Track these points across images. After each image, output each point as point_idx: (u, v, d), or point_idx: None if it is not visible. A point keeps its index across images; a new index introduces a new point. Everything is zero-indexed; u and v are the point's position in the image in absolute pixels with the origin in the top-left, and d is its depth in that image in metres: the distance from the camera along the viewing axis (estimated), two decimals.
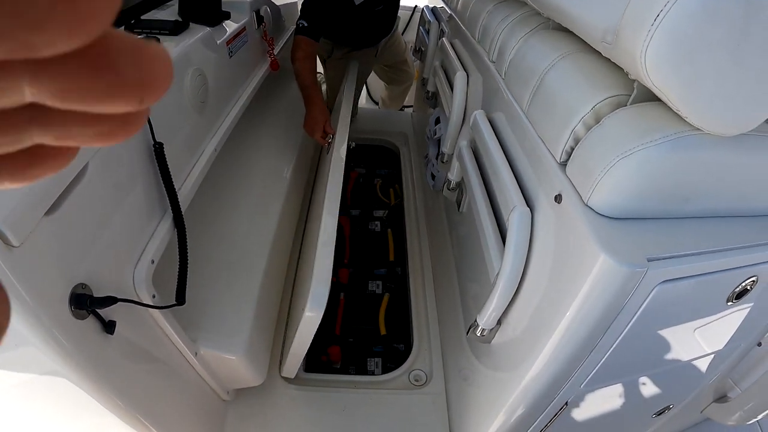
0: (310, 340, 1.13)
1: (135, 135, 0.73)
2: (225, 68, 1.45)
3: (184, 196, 1.12)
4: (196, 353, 1.16)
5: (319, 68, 2.80)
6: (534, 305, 0.81)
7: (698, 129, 0.60)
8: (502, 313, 0.89)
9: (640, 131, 0.60)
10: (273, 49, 1.86)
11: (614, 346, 0.77)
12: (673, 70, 0.52)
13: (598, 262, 0.62)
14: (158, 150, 1.01)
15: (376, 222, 2.22)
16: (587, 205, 0.67)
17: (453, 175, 1.25)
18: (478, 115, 1.08)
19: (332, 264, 1.09)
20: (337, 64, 2.39)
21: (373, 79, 3.67)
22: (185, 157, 1.17)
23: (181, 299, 1.03)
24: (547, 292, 0.76)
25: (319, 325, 1.80)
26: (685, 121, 0.60)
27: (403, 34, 3.15)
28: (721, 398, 1.39)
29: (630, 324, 0.73)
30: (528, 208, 0.79)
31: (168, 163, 1.01)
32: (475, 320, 0.92)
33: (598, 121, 0.69)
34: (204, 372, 1.22)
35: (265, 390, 1.40)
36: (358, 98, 2.77)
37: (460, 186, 1.27)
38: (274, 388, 1.42)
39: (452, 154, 1.37)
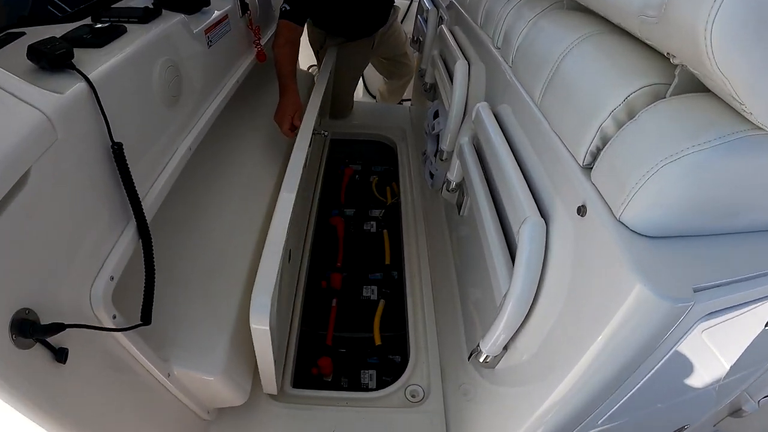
0: (270, 355, 1.02)
1: (88, 135, 0.66)
2: (203, 59, 1.32)
3: (151, 201, 1.00)
4: (168, 374, 1.05)
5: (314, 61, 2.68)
6: (548, 333, 0.69)
7: (760, 128, 0.47)
8: (510, 338, 0.77)
9: (689, 130, 0.48)
10: (259, 38, 1.73)
11: (642, 382, 0.65)
12: (744, 50, 0.40)
13: (632, 293, 0.50)
14: (117, 151, 0.89)
15: (372, 222, 2.10)
16: (619, 221, 0.54)
17: (453, 175, 1.13)
18: (482, 108, 0.96)
19: (278, 265, 0.97)
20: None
21: (370, 71, 3.54)
22: (153, 157, 1.04)
23: (146, 318, 0.91)
24: (564, 320, 0.65)
25: (309, 335, 1.71)
26: (744, 117, 0.48)
27: (402, 22, 3.01)
28: (736, 412, 1.29)
29: (663, 360, 0.61)
30: (542, 220, 0.67)
31: (131, 165, 0.90)
32: (478, 345, 0.80)
33: (632, 116, 0.57)
34: (180, 393, 1.10)
35: (249, 408, 1.28)
36: (353, 91, 2.64)
37: (461, 187, 1.15)
38: (258, 406, 1.30)
39: (452, 151, 1.24)
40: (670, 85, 0.56)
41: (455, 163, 1.12)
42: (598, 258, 0.57)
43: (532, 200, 0.70)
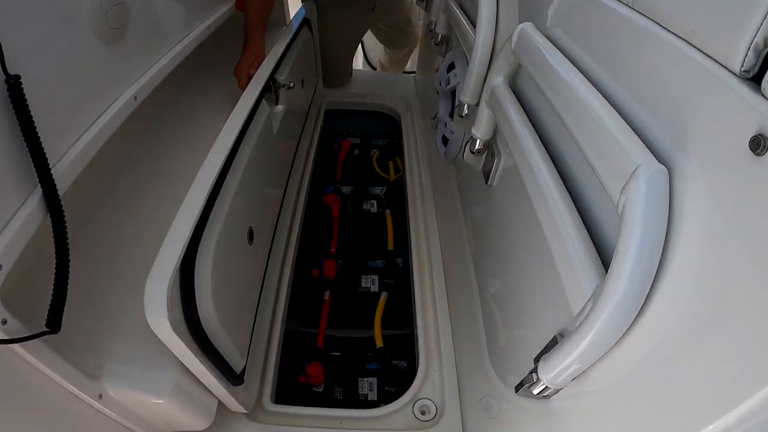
0: (197, 362, 0.76)
1: None
2: None
3: (70, 162, 0.72)
4: (100, 395, 0.78)
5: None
6: (652, 355, 0.42)
7: None
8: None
9: None
10: None
11: None
12: None
13: None
14: (12, 86, 0.62)
15: (372, 201, 1.82)
16: None
17: (480, 131, 0.85)
18: (527, 29, 0.68)
19: (187, 239, 0.69)
20: (328, 17, 1.98)
21: (371, 41, 3.25)
22: (78, 105, 0.77)
23: (54, 324, 0.64)
24: (698, 336, 0.37)
25: (296, 335, 1.43)
26: None
27: None
28: None
29: None
30: (664, 168, 0.39)
31: (39, 110, 0.63)
32: (534, 373, 0.53)
33: None
34: (118, 416, 0.83)
35: (219, 428, 1.01)
36: (352, 58, 2.36)
37: (491, 147, 0.87)
38: (229, 427, 1.04)
39: (477, 102, 0.96)
40: None
41: (483, 115, 0.83)
42: None
43: (640, 141, 0.42)
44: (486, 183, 0.89)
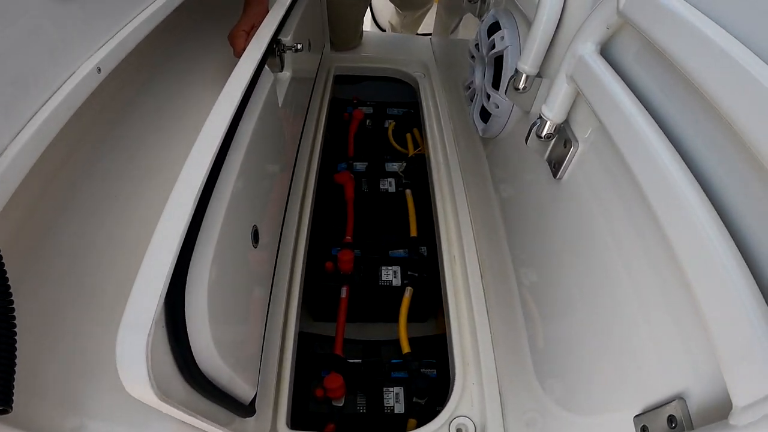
0: (198, 418, 0.59)
1: None
2: None
3: (9, 161, 0.53)
4: None
5: None
6: None
7: None
8: None
9: None
10: None
11: None
12: None
13: None
14: None
15: (389, 179, 1.63)
16: None
17: (552, 111, 0.66)
18: None
19: (173, 257, 0.51)
20: None
21: (379, 1, 3.00)
22: (19, 84, 0.57)
23: (3, 399, 0.47)
24: None
25: (311, 341, 1.23)
26: None
27: None
28: None
29: None
30: None
31: None
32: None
33: None
34: None
35: None
36: (362, 17, 2.12)
37: (562, 131, 0.68)
38: None
39: (537, 73, 0.77)
40: None
41: (559, 92, 0.64)
42: None
43: None
44: (554, 176, 0.70)
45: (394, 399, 1.11)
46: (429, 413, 1.03)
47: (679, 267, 0.41)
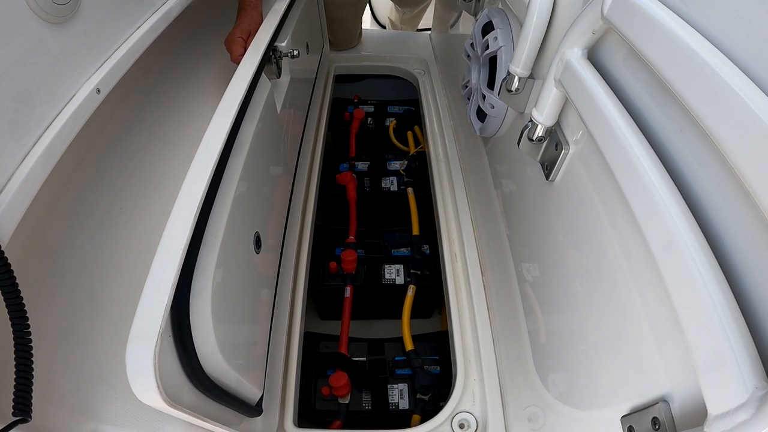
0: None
1: None
2: None
3: (17, 188, 0.56)
4: None
5: None
6: None
7: None
8: None
9: None
10: None
11: None
12: None
13: None
14: None
15: (392, 177, 1.65)
16: None
17: (542, 116, 0.67)
18: None
19: (177, 268, 0.53)
20: None
21: None
22: (20, 113, 0.59)
23: (22, 411, 0.50)
24: None
25: (316, 341, 1.20)
26: None
27: None
28: None
29: None
30: None
31: None
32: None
33: None
34: None
35: None
36: (361, 15, 2.13)
37: (553, 134, 0.69)
38: None
39: (529, 75, 0.78)
40: None
41: (548, 96, 0.65)
42: None
43: None
44: (546, 178, 0.71)
45: (399, 395, 1.13)
46: (433, 409, 1.05)
47: (658, 274, 0.43)
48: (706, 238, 0.40)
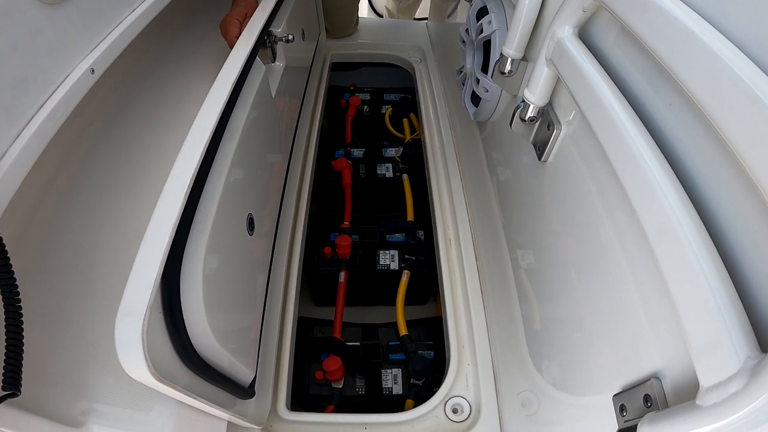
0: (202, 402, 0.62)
1: None
2: None
3: (9, 165, 0.55)
4: None
5: None
6: None
7: None
8: None
9: None
10: None
11: None
12: None
13: None
14: None
15: (387, 164, 1.64)
16: None
17: (535, 95, 0.67)
18: None
19: (167, 245, 0.53)
20: None
21: None
22: (13, 91, 0.59)
23: (12, 385, 0.50)
24: None
25: (310, 326, 1.21)
26: None
27: None
28: None
29: None
30: None
31: None
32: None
33: None
34: None
35: None
36: (357, 3, 2.11)
37: (546, 114, 0.69)
38: None
39: (522, 57, 0.78)
40: None
41: (540, 75, 0.65)
42: None
43: None
44: (539, 159, 0.71)
45: (392, 380, 1.14)
46: (427, 394, 1.06)
47: (651, 253, 0.43)
48: (698, 213, 0.40)
